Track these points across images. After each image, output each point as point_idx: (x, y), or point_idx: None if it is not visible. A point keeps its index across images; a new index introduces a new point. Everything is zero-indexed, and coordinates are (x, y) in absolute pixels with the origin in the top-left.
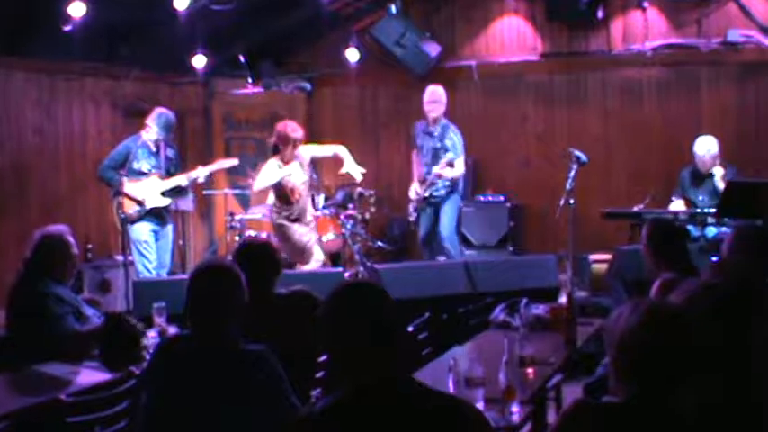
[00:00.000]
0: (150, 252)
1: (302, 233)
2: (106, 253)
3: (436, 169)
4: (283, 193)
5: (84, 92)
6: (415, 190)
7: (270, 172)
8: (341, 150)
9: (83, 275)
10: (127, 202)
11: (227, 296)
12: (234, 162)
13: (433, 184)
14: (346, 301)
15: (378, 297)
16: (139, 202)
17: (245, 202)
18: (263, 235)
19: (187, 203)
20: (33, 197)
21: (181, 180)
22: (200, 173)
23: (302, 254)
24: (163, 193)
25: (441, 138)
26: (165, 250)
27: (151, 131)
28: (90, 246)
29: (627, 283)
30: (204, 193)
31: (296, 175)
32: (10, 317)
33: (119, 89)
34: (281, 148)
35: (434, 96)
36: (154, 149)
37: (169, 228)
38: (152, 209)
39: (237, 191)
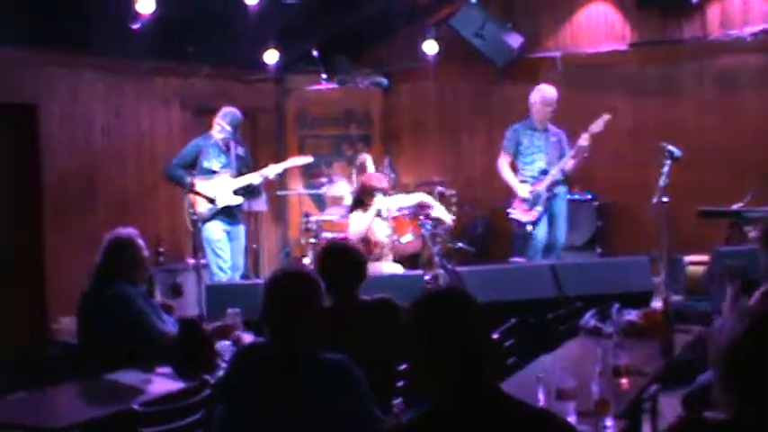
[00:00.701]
0: (224, 251)
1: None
2: (178, 256)
3: (554, 169)
4: (364, 244)
5: (153, 91)
6: (528, 191)
7: (359, 219)
8: (425, 197)
9: (154, 280)
10: (198, 200)
11: (305, 303)
12: (308, 159)
13: (554, 183)
14: (433, 323)
15: (466, 314)
16: (211, 200)
17: (320, 203)
18: (340, 236)
19: (260, 204)
20: (101, 199)
21: (252, 178)
22: (272, 170)
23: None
24: (235, 192)
25: (556, 134)
26: (237, 252)
27: (219, 130)
28: (161, 249)
29: (727, 287)
30: (278, 193)
31: (379, 229)
32: (84, 323)
33: (188, 87)
34: (365, 200)
35: (554, 98)
36: (224, 148)
37: (241, 228)
38: (224, 208)
39: (312, 191)
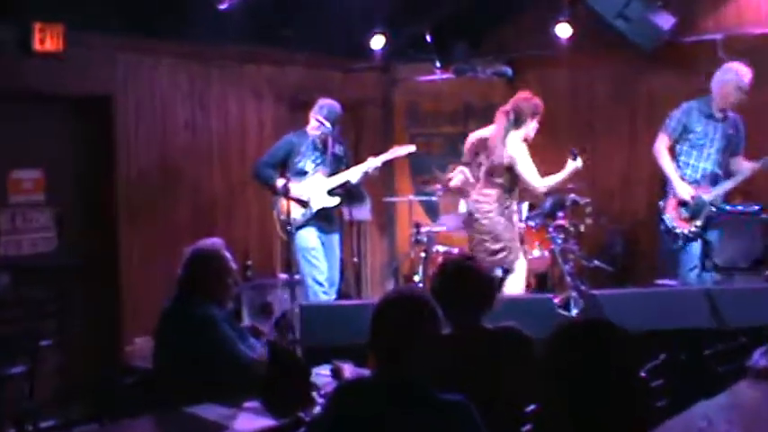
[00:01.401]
0: (320, 261)
1: (514, 238)
2: (268, 270)
3: (735, 179)
4: (513, 177)
5: (242, 80)
6: (690, 194)
7: (526, 152)
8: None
9: (241, 298)
10: (291, 205)
11: (420, 331)
12: (410, 148)
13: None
14: (573, 358)
15: (613, 349)
16: (304, 204)
17: (432, 211)
18: (455, 251)
19: (363, 212)
20: (183, 203)
21: (350, 174)
22: (371, 163)
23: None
24: (330, 192)
25: (734, 125)
26: (332, 264)
27: (316, 126)
28: (249, 262)
29: None
30: (384, 200)
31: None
32: (162, 347)
33: (282, 77)
34: (524, 120)
35: (748, 83)
36: (320, 146)
37: (335, 238)
38: (319, 211)
39: (423, 197)
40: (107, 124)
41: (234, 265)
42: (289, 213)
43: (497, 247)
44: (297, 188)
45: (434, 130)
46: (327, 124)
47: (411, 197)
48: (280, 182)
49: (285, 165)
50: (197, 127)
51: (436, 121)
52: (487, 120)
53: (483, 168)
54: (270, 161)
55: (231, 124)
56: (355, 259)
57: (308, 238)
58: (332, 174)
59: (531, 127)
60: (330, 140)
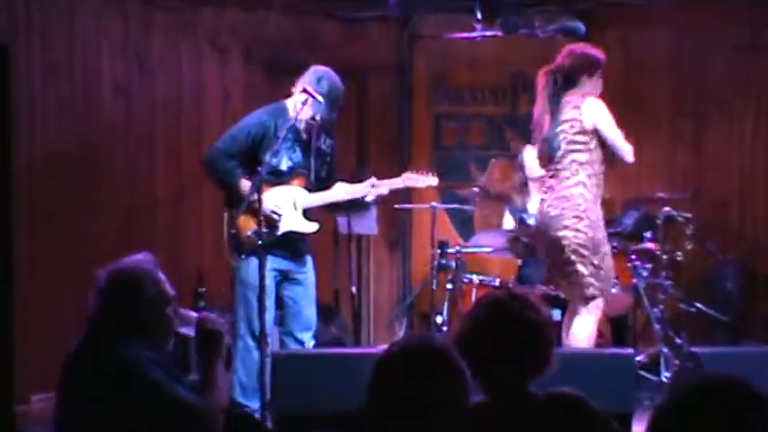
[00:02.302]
0: (267, 308)
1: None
2: (229, 301)
3: None
4: (596, 154)
5: (196, 29)
6: None
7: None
8: None
9: (188, 341)
10: (246, 216)
11: (435, 400)
12: (430, 182)
13: None
14: None
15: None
16: (271, 223)
17: (465, 226)
18: (496, 282)
19: (366, 223)
20: (110, 204)
21: (337, 194)
22: (371, 190)
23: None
24: (306, 214)
25: None
26: (307, 301)
27: (306, 102)
28: (203, 289)
29: None
30: (396, 207)
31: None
32: (68, 404)
33: (255, 26)
34: (586, 77)
35: None
36: (303, 135)
37: (306, 268)
38: (286, 234)
39: (453, 205)
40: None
41: (171, 291)
42: (240, 228)
43: (595, 262)
44: (268, 198)
45: (472, 110)
46: (320, 101)
47: (435, 204)
48: (244, 184)
49: (252, 157)
50: (132, 93)
51: (474, 98)
52: None
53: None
54: (230, 150)
55: (182, 92)
56: (353, 289)
57: (256, 269)
58: (314, 180)
59: (593, 85)
60: (316, 129)
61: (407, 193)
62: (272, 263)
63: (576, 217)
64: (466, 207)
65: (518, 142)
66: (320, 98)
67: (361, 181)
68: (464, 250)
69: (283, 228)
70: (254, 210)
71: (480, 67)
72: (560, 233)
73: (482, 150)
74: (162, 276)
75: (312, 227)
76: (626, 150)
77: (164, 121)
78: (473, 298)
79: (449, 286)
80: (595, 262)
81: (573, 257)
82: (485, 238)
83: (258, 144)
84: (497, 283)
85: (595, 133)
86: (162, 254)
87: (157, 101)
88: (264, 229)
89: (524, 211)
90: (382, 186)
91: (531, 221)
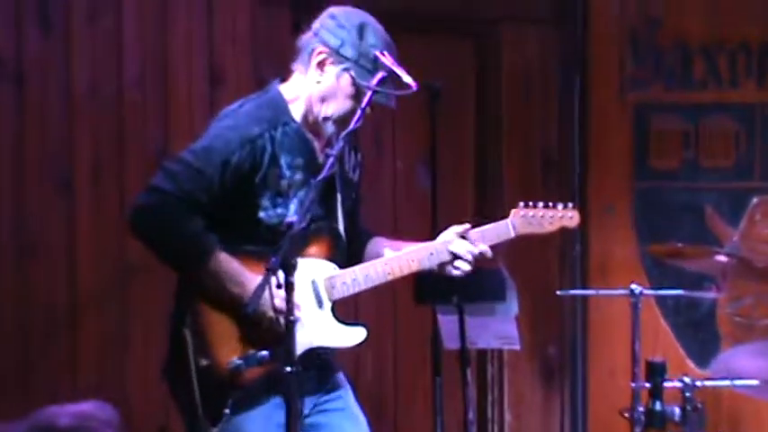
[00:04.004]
0: None
1: None
2: None
3: None
4: None
5: None
6: None
7: None
8: None
9: None
10: (229, 327)
11: None
12: (566, 222)
13: None
14: None
15: None
16: (274, 337)
17: (700, 335)
18: None
19: (497, 328)
20: None
21: (391, 267)
22: (457, 246)
23: None
24: (340, 327)
25: None
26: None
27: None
28: None
29: None
30: (558, 293)
31: None
32: None
33: None
34: None
35: None
36: (320, 157)
37: (341, 383)
38: (307, 354)
39: (675, 291)
40: None
41: None
42: (214, 350)
43: None
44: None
45: (710, 97)
46: (368, 80)
47: (637, 288)
48: (226, 263)
49: (225, 209)
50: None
51: (714, 73)
52: None
53: None
54: (194, 195)
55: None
56: None
57: (257, 425)
58: (344, 231)
59: None
60: (344, 141)
61: (580, 271)
62: (277, 415)
63: None
64: (701, 294)
65: None
66: (366, 68)
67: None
68: (701, 384)
69: (301, 344)
70: (246, 315)
71: (724, 10)
72: None
73: (730, 179)
74: None
75: (353, 335)
76: None
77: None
78: None
79: None
80: None
81: None
82: (743, 358)
83: (242, 183)
84: None
85: None
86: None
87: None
88: (263, 353)
89: None
90: (472, 238)
91: None
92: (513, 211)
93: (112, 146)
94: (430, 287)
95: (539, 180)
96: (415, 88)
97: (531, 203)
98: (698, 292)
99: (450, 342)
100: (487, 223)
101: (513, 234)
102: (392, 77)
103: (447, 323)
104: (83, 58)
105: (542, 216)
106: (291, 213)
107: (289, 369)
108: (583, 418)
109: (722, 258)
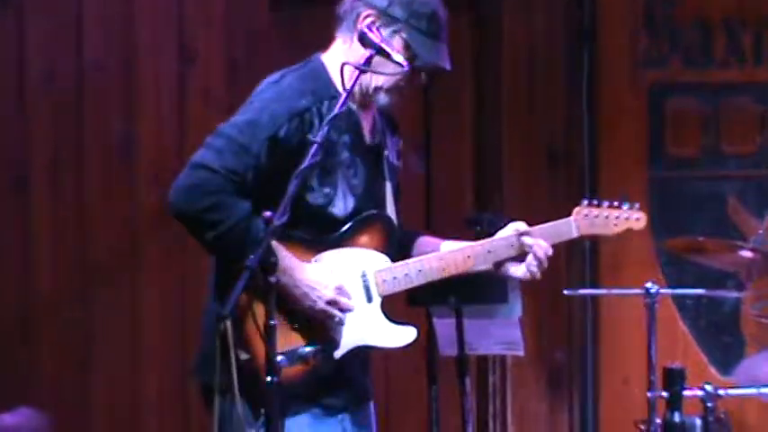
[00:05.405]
0: None
1: None
2: None
3: None
4: None
5: None
6: None
7: None
8: None
9: None
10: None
11: None
12: (633, 224)
13: None
14: None
15: None
16: (323, 335)
17: (723, 339)
18: None
19: (499, 333)
20: None
21: (447, 263)
22: (511, 246)
23: None
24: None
25: None
26: None
27: (363, 63)
28: None
29: None
30: (565, 292)
31: None
32: None
33: None
34: None
35: None
36: (368, 137)
37: (371, 417)
38: (353, 352)
39: (696, 290)
40: None
41: None
42: (252, 345)
43: None
44: (317, 279)
45: (732, 77)
46: (398, 58)
47: (653, 287)
48: (279, 251)
49: (269, 188)
50: None
51: (734, 49)
52: None
53: None
54: (238, 172)
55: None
56: None
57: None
58: (397, 222)
59: None
60: (384, 117)
61: (590, 268)
62: (311, 428)
63: None
64: (723, 293)
65: None
66: (419, 29)
67: (494, 227)
68: (724, 393)
69: (346, 342)
70: (293, 310)
71: None
72: None
73: (755, 166)
74: None
75: (404, 335)
76: None
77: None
78: None
79: None
80: None
81: None
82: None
83: (289, 160)
84: None
85: None
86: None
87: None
88: (307, 349)
89: None
90: (534, 235)
91: None
92: (575, 209)
93: (71, 137)
94: (424, 287)
95: (543, 166)
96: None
97: (595, 202)
98: (720, 291)
99: (447, 348)
100: (486, 214)
101: (575, 234)
102: (383, 54)
103: (443, 327)
104: (37, 37)
105: (607, 217)
106: (339, 197)
107: (269, 379)
108: (593, 431)
109: (746, 254)
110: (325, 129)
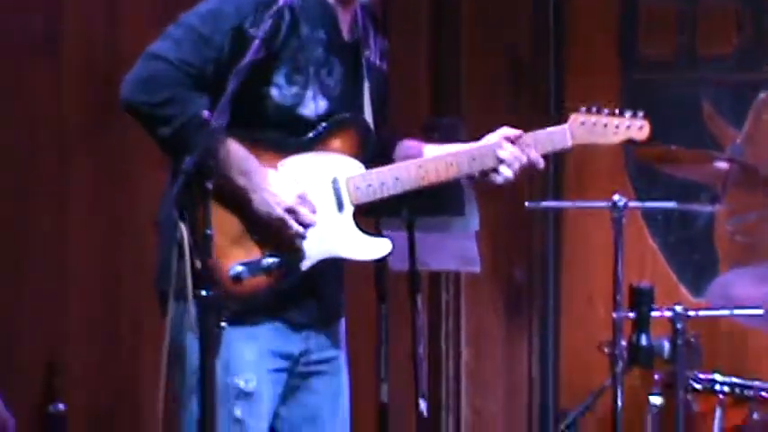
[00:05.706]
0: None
1: None
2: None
3: None
4: None
5: None
6: None
7: None
8: None
9: None
10: (225, 224)
11: None
12: (634, 133)
13: None
14: None
15: None
16: (287, 246)
17: (693, 257)
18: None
19: (454, 247)
20: None
21: (433, 169)
22: (506, 152)
23: None
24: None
25: None
26: (332, 422)
27: None
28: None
29: None
30: (527, 205)
31: None
32: None
33: None
34: None
35: None
36: (345, 33)
37: (342, 345)
38: (317, 267)
39: (667, 203)
40: None
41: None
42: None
43: None
44: (280, 184)
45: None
46: None
47: (620, 199)
48: (235, 150)
49: (242, 79)
50: None
51: None
52: None
53: None
54: (192, 64)
55: None
56: (422, 405)
57: (246, 353)
58: (373, 134)
59: None
60: (365, 18)
61: (554, 179)
62: (270, 340)
63: None
64: (696, 207)
65: None
66: None
67: (452, 134)
68: (694, 314)
69: (313, 254)
70: (250, 215)
71: None
72: None
73: (732, 69)
74: None
75: (377, 247)
76: None
77: None
78: (716, 429)
79: (655, 401)
80: None
81: None
82: (744, 283)
83: (254, 54)
84: None
85: None
86: None
87: None
88: (270, 260)
89: None
90: (526, 142)
91: None
92: (572, 116)
93: None
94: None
95: (505, 68)
96: None
97: (594, 108)
98: (693, 204)
99: (398, 263)
100: (445, 119)
101: (569, 143)
102: None
103: (394, 240)
104: None
105: (606, 124)
106: (309, 97)
107: (203, 293)
108: (554, 354)
109: (722, 164)
110: (269, 22)
